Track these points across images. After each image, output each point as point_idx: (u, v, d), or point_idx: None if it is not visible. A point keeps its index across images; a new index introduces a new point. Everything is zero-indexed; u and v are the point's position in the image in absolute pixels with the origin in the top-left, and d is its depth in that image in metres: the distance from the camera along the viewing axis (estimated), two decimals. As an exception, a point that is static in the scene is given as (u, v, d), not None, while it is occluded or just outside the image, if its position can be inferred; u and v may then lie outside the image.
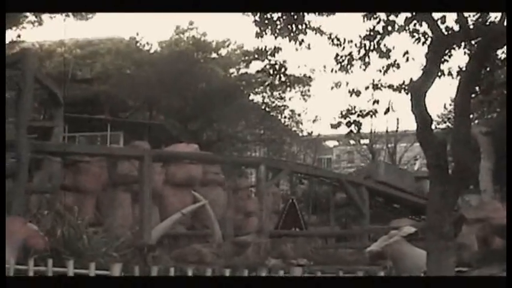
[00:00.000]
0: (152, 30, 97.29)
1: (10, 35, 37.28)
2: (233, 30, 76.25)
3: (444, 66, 12.61)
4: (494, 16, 11.17)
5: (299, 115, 54.85)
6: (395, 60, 13.15)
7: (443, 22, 11.68)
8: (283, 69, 14.29)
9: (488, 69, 12.49)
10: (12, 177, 24.60)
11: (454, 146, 10.70)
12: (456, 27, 11.59)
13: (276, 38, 13.32)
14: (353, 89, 13.45)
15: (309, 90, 49.92)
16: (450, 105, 41.24)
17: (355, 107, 13.40)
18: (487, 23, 11.35)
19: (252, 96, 53.31)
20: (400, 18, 12.46)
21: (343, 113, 13.43)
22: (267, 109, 53.42)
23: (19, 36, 38.03)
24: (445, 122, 44.53)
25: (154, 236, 26.27)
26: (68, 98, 33.01)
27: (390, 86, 13.51)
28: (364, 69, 13.43)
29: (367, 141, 57.42)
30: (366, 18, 12.74)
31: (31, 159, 26.25)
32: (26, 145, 25.22)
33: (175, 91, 45.08)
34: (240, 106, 49.69)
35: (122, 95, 44.99)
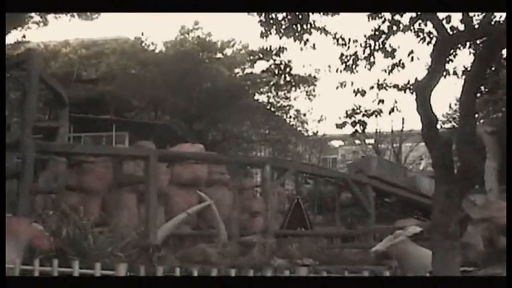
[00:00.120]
0: (157, 30, 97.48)
1: (15, 35, 37.40)
2: (238, 30, 76.32)
3: (449, 66, 12.61)
4: (499, 16, 11.16)
5: (304, 115, 54.83)
6: (401, 60, 13.14)
7: (448, 22, 11.65)
8: (288, 69, 14.28)
9: (493, 68, 12.47)
10: (18, 177, 24.67)
11: (459, 145, 10.69)
12: (461, 27, 11.57)
13: (281, 37, 13.32)
14: (358, 89, 13.44)
15: (314, 90, 49.87)
16: (455, 104, 41.28)
17: (360, 106, 13.39)
18: (492, 23, 11.33)
19: (257, 96, 53.29)
20: (405, 18, 12.46)
21: (348, 113, 13.41)
22: (272, 109, 53.40)
23: (24, 36, 38.05)
24: (450, 122, 44.54)
25: (160, 236, 26.30)
26: (73, 98, 33.10)
27: (395, 86, 13.50)
28: (369, 69, 13.42)
29: (372, 141, 57.42)
30: (370, 18, 12.73)
31: (36, 160, 26.30)
32: (31, 145, 25.27)
33: (180, 91, 45.10)
34: (245, 106, 49.70)
35: (127, 95, 45.02)
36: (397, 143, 56.54)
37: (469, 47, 12.68)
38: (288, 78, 14.61)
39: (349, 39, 13.43)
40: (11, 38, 36.70)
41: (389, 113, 13.40)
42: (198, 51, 47.24)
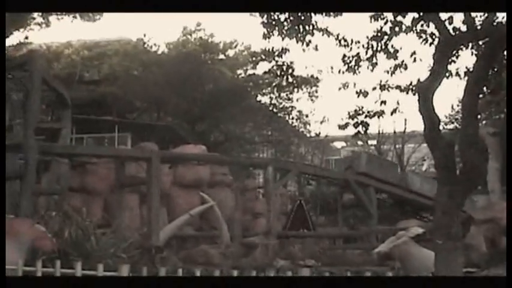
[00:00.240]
0: (159, 31, 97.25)
1: (17, 36, 37.40)
2: (240, 31, 76.33)
3: (452, 67, 12.64)
4: (502, 16, 11.17)
5: (307, 116, 54.80)
6: (403, 61, 13.17)
7: (450, 23, 11.68)
8: (290, 70, 14.31)
9: (495, 69, 12.48)
10: (20, 178, 24.67)
11: (461, 146, 10.69)
12: (463, 28, 11.58)
13: (283, 39, 13.35)
14: (360, 90, 13.47)
15: (316, 91, 49.90)
16: (458, 105, 41.19)
17: (362, 107, 13.43)
18: (494, 24, 11.34)
19: (259, 97, 53.26)
20: (407, 19, 12.49)
21: (351, 114, 13.45)
22: (274, 110, 53.36)
23: (27, 37, 38.07)
24: (452, 123, 44.46)
25: (163, 237, 26.29)
26: (75, 100, 33.10)
27: (398, 87, 13.53)
28: (372, 70, 13.45)
29: (374, 142, 57.29)
30: (373, 19, 12.76)
31: (39, 161, 26.32)
32: (34, 147, 25.27)
33: (182, 92, 45.10)
34: (248, 107, 49.69)
35: (129, 96, 45.01)
36: (399, 144, 56.41)
37: (472, 48, 12.70)
38: (290, 79, 14.63)
39: (352, 41, 13.46)
40: (14, 39, 36.76)
41: (392, 114, 13.44)
42: (200, 53, 47.21)
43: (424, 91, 10.97)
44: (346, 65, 13.49)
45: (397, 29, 12.68)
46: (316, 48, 13.56)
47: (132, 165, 31.95)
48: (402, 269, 17.96)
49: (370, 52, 13.22)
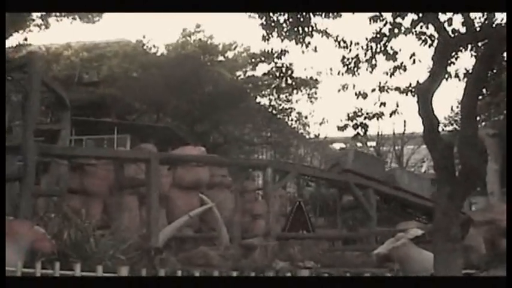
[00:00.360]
0: (159, 33, 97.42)
1: (17, 38, 37.39)
2: (240, 33, 76.34)
3: (451, 69, 12.63)
4: (501, 18, 11.18)
5: (306, 117, 54.89)
6: (402, 63, 13.17)
7: (449, 24, 11.67)
8: (289, 72, 14.32)
9: (495, 71, 12.49)
10: (20, 180, 24.65)
11: (460, 148, 10.69)
12: (463, 30, 11.59)
13: (282, 40, 13.36)
14: (360, 91, 13.47)
15: (315, 93, 49.98)
16: (457, 107, 41.24)
17: (361, 109, 13.43)
18: (494, 25, 11.34)
19: (258, 99, 53.33)
20: (407, 21, 12.48)
21: (350, 116, 13.45)
22: (273, 112, 53.43)
23: (26, 39, 38.05)
24: (452, 124, 44.48)
25: (162, 239, 26.28)
26: (74, 101, 33.11)
27: (397, 88, 13.53)
28: (371, 72, 13.45)
29: (374, 143, 57.34)
30: (372, 21, 12.76)
31: (38, 162, 26.29)
32: (33, 148, 25.25)
33: (182, 94, 45.11)
34: (247, 109, 49.74)
35: (128, 98, 45.01)
36: (398, 146, 56.51)
37: (471, 49, 12.70)
38: (289, 81, 14.63)
39: (351, 42, 13.47)
40: (13, 40, 36.75)
41: (391, 115, 13.43)
42: (199, 54, 47.26)
43: (424, 93, 10.98)
44: (346, 67, 13.49)
45: (396, 30, 12.68)
46: (315, 50, 13.57)
47: (131, 167, 31.94)
48: (401, 270, 17.96)
49: (369, 54, 13.22)
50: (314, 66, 15.92)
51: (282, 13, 12.82)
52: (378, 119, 13.47)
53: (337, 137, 58.55)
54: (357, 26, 13.81)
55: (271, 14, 12.89)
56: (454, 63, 12.73)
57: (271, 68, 14.36)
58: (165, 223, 30.50)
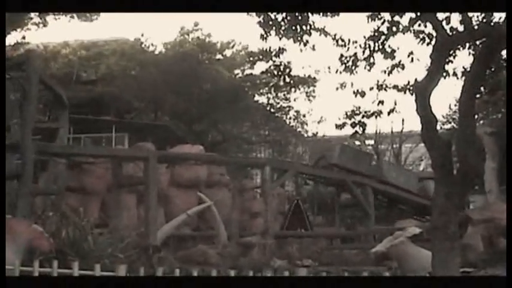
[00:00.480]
0: (157, 31, 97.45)
1: (15, 36, 37.35)
2: (238, 31, 76.40)
3: (449, 67, 12.66)
4: (499, 16, 11.18)
5: (304, 116, 54.87)
6: (400, 61, 13.19)
7: (447, 23, 11.68)
8: (287, 70, 14.31)
9: (493, 69, 12.49)
10: (18, 178, 24.62)
11: (459, 146, 10.69)
12: (461, 28, 11.59)
13: (280, 39, 13.36)
14: (358, 90, 13.49)
15: (313, 91, 49.98)
16: (455, 105, 41.25)
17: (360, 107, 13.44)
18: (492, 24, 11.34)
19: (256, 97, 53.32)
20: (405, 19, 12.49)
21: (348, 114, 13.46)
22: (271, 110, 53.43)
23: (24, 37, 38.01)
24: (450, 123, 44.53)
25: (160, 237, 26.29)
26: (72, 99, 33.06)
27: (395, 87, 13.54)
28: (369, 70, 13.46)
29: (372, 142, 57.31)
30: (370, 19, 12.76)
31: (36, 161, 26.27)
32: (31, 147, 25.22)
33: (180, 92, 45.09)
34: (245, 107, 49.73)
35: (126, 96, 44.96)
36: (396, 144, 56.51)
37: (469, 48, 12.71)
38: (287, 79, 14.62)
39: (349, 40, 13.48)
40: (11, 39, 36.68)
41: (389, 114, 13.44)
42: (197, 52, 47.23)
43: (422, 91, 10.97)
44: (344, 65, 13.50)
45: (394, 29, 12.69)
46: (313, 48, 13.57)
47: (129, 165, 31.92)
48: (399, 268, 17.97)
49: (367, 52, 13.23)
50: (312, 65, 15.95)
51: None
52: (376, 117, 13.49)
53: (335, 136, 58.58)
54: (354, 24, 13.83)
55: (269, 13, 12.88)
56: (452, 62, 12.75)
57: (269, 67, 14.35)
58: (163, 221, 30.49)
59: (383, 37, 12.92)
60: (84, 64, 47.00)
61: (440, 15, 11.37)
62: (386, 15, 12.59)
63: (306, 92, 49.70)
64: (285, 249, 27.92)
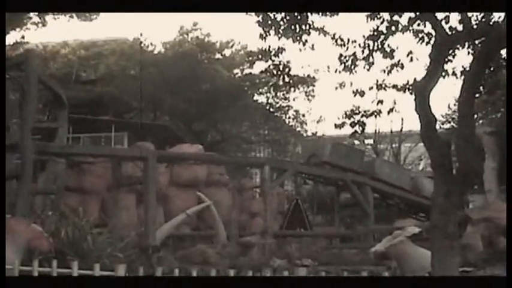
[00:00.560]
0: (156, 31, 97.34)
1: (14, 36, 37.35)
2: (237, 30, 76.47)
3: (448, 66, 12.65)
4: (498, 16, 11.17)
5: (303, 115, 54.94)
6: (399, 60, 13.19)
7: (447, 22, 11.68)
8: (287, 70, 14.30)
9: (492, 69, 12.49)
10: (17, 178, 24.61)
11: (458, 145, 10.68)
12: (460, 27, 11.58)
13: (279, 38, 13.35)
14: (357, 89, 13.49)
15: (313, 91, 50.06)
16: (454, 105, 41.23)
17: (359, 107, 13.44)
18: (491, 23, 11.34)
19: (256, 97, 53.39)
20: (404, 19, 12.49)
21: (347, 113, 13.46)
22: (271, 109, 53.47)
23: (23, 37, 38.01)
24: (449, 122, 44.58)
25: (159, 237, 26.26)
26: (72, 99, 33.04)
27: (394, 86, 13.55)
28: (368, 70, 13.46)
29: (371, 141, 57.32)
30: (369, 19, 12.76)
31: (35, 161, 26.24)
32: (31, 146, 25.19)
33: (179, 92, 45.12)
34: (244, 107, 49.77)
35: (126, 96, 44.99)
36: (396, 144, 56.53)
37: (468, 47, 12.70)
38: (287, 79, 14.61)
39: (348, 40, 13.47)
40: (10, 38, 36.67)
41: (388, 113, 13.45)
42: (197, 52, 47.25)
43: (421, 90, 10.96)
44: (343, 65, 13.50)
45: (393, 28, 12.68)
46: (312, 48, 13.56)
47: (128, 165, 31.90)
48: (399, 268, 17.95)
49: (366, 51, 13.23)
50: (311, 64, 15.95)
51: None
52: (375, 116, 13.49)
53: (334, 135, 58.53)
54: (354, 23, 13.82)
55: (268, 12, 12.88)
56: (451, 61, 12.75)
57: (269, 66, 14.34)
58: (162, 221, 30.47)
59: (382, 36, 12.92)
60: (84, 64, 47.03)
61: (440, 15, 11.37)
62: (386, 15, 12.58)
63: (305, 92, 49.78)
64: (285, 248, 27.88)
